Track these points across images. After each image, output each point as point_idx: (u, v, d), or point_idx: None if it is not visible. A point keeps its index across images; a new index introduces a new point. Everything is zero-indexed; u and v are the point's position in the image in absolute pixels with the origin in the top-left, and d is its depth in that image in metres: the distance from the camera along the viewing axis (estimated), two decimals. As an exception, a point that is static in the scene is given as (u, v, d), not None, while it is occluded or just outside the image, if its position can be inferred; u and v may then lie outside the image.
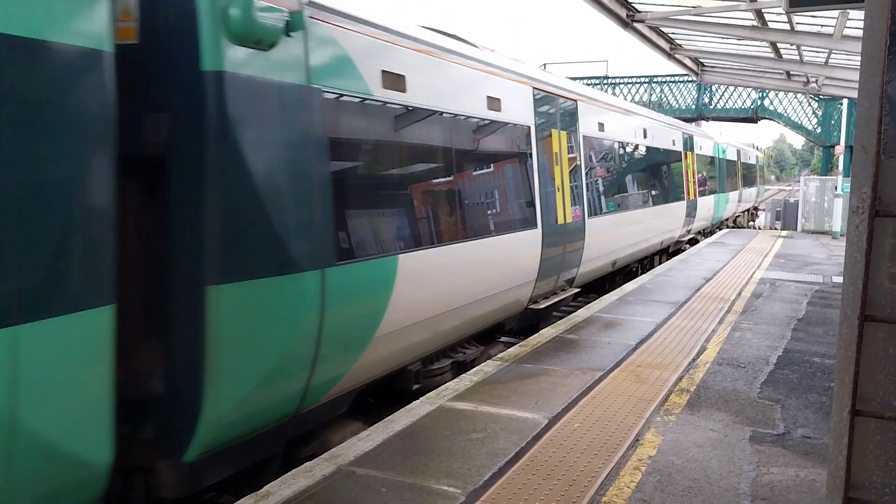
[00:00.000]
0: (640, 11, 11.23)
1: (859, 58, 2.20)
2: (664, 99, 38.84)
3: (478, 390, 6.30)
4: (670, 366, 7.18)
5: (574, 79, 21.06)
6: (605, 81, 39.47)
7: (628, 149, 13.76)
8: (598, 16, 10.78)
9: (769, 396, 6.30)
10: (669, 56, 14.44)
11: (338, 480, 4.48)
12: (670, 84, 38.74)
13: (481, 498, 4.27)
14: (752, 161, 37.44)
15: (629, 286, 12.23)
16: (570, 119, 10.44)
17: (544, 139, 9.34)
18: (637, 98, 38.89)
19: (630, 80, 39.93)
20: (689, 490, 4.40)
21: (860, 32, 2.22)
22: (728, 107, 37.92)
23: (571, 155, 10.41)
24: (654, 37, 12.96)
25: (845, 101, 24.40)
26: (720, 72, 17.66)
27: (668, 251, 18.36)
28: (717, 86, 36.05)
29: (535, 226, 8.76)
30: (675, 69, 17.20)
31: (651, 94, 38.97)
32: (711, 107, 38.29)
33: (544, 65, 37.36)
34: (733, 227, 30.11)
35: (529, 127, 8.88)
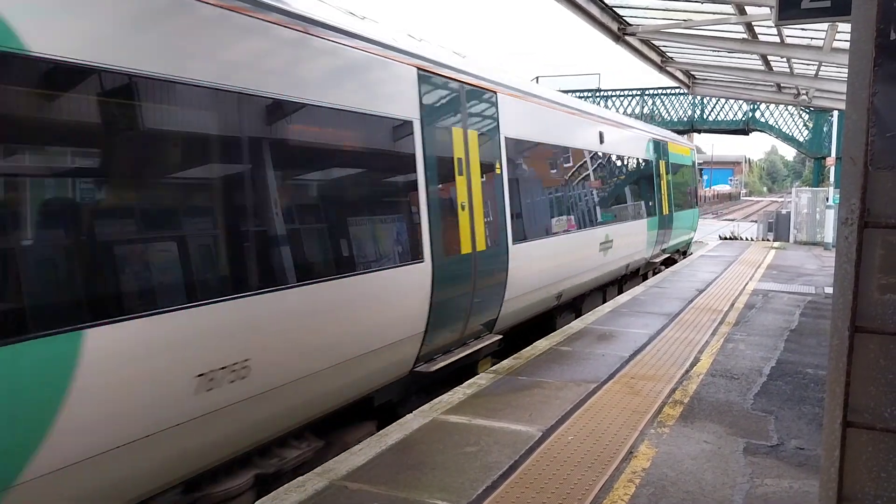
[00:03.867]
0: (631, 25, 11.30)
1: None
2: (657, 111, 39.05)
3: (471, 403, 6.28)
4: (664, 377, 7.18)
5: (566, 91, 20.45)
6: (597, 94, 39.69)
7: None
8: (590, 29, 10.84)
9: (763, 408, 6.29)
10: (661, 69, 14.53)
11: (330, 496, 4.44)
12: (662, 97, 38.98)
13: (474, 512, 4.24)
14: (645, 153, 15.66)
15: (622, 298, 12.25)
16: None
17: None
18: (630, 111, 39.09)
19: (623, 94, 40.14)
20: (682, 502, 4.39)
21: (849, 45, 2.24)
22: (720, 119, 38.16)
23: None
24: (645, 50, 13.05)
25: (836, 113, 24.58)
26: (712, 84, 17.78)
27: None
28: (709, 98, 36.30)
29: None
30: (668, 82, 17.29)
31: (643, 107, 39.18)
32: (704, 119, 38.52)
33: (537, 78, 37.55)
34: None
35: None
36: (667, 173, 17.39)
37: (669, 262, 19.21)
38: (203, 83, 4.29)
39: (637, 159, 15.14)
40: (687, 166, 20.51)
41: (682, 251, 21.43)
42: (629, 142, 14.56)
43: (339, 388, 5.67)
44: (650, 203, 15.68)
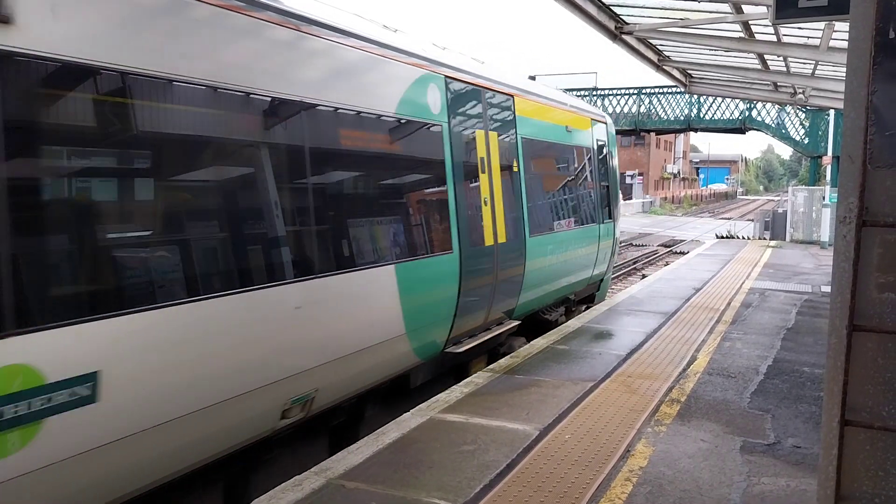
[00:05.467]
0: (628, 24, 11.29)
1: (845, 69, 2.22)
2: (653, 110, 39.07)
3: (469, 402, 6.27)
4: (661, 376, 7.18)
5: (565, 90, 17.92)
6: (594, 93, 39.70)
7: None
8: (588, 28, 10.83)
9: (759, 406, 6.30)
10: (658, 68, 14.52)
11: (327, 494, 4.44)
12: (659, 96, 38.99)
13: (472, 511, 4.24)
14: (415, 111, 6.53)
15: (619, 297, 12.25)
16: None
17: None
18: (627, 110, 39.12)
19: (619, 92, 40.15)
20: (680, 501, 4.39)
21: (846, 44, 2.24)
22: (717, 118, 38.16)
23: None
24: (642, 48, 13.03)
25: (832, 112, 24.60)
26: (708, 83, 17.77)
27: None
28: (705, 97, 36.31)
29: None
30: (665, 81, 17.30)
31: (640, 106, 39.21)
32: (700, 118, 38.52)
33: (534, 76, 37.54)
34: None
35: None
36: (516, 160, 8.91)
37: (547, 327, 10.09)
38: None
39: (378, 118, 6.16)
40: (581, 147, 11.44)
41: (583, 298, 12.25)
42: (328, 73, 5.49)
43: None
44: (442, 223, 7.13)
